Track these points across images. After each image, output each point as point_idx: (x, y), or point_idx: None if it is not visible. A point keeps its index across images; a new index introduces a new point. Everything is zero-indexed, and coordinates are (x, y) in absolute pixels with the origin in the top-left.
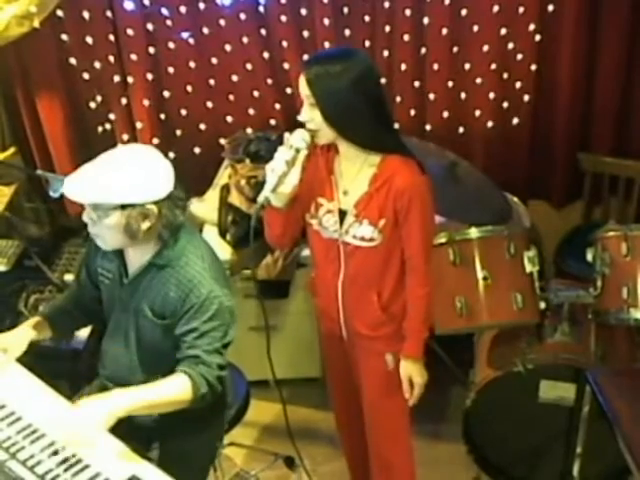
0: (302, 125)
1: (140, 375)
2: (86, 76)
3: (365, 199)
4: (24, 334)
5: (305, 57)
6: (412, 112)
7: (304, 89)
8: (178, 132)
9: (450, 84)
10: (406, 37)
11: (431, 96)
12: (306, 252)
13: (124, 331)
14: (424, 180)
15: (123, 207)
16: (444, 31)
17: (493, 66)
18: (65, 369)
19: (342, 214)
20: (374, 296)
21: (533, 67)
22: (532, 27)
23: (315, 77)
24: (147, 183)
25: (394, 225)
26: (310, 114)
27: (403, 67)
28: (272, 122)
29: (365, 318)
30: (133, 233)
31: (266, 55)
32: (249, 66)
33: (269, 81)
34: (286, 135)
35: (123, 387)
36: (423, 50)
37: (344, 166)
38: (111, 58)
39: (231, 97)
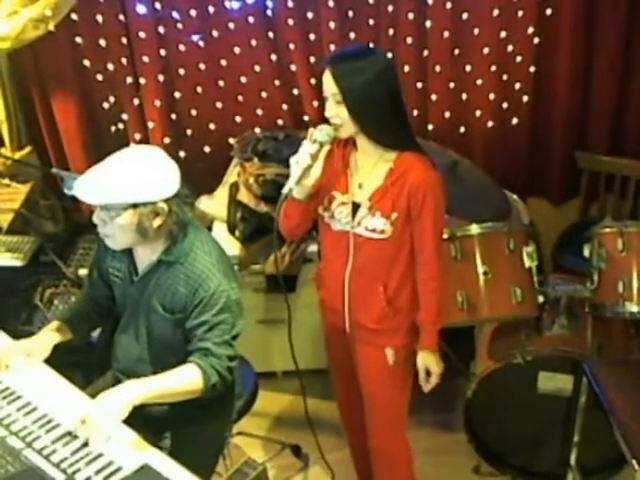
0: (308, 125)
1: (149, 368)
2: (99, 77)
3: (380, 192)
4: (47, 339)
5: (312, 59)
6: (415, 112)
7: (330, 87)
8: (189, 132)
9: (451, 85)
10: (409, 40)
11: (433, 97)
12: (312, 248)
13: (135, 326)
14: (437, 176)
15: (135, 206)
16: (446, 34)
17: (493, 68)
18: (79, 361)
19: (355, 207)
20: (380, 288)
21: (532, 69)
22: (531, 30)
23: (342, 73)
24: (157, 181)
25: (405, 219)
26: (336, 110)
27: (406, 69)
28: (279, 122)
29: (370, 310)
30: (144, 231)
31: (274, 57)
32: (257, 68)
33: (277, 82)
34: (310, 130)
35: (134, 379)
36: (425, 52)
37: (360, 160)
38: (124, 60)
39: (240, 98)
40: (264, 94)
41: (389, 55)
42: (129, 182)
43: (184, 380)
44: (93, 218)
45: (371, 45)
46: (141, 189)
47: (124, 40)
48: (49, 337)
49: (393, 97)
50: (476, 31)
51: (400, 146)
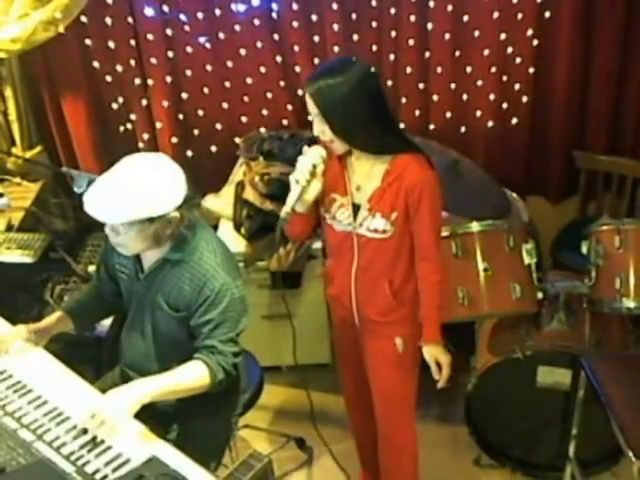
0: (312, 125)
1: (155, 364)
2: (108, 79)
3: (378, 194)
4: (47, 328)
5: (316, 60)
6: (417, 112)
7: (311, 107)
8: (195, 132)
9: (452, 86)
10: (411, 42)
11: (435, 97)
12: (317, 245)
13: (141, 323)
14: (433, 175)
15: (151, 220)
16: (447, 36)
17: (493, 69)
18: (89, 356)
19: (355, 208)
20: (385, 283)
21: (531, 70)
22: (530, 32)
23: (317, 92)
24: (169, 193)
25: (405, 218)
26: (321, 127)
27: (408, 70)
28: (284, 122)
29: (377, 304)
30: (159, 239)
31: (279, 59)
32: (263, 69)
33: (281, 83)
34: (305, 148)
35: (141, 374)
36: (427, 54)
37: (357, 164)
38: (132, 62)
39: (246, 98)
40: (269, 95)
41: (367, 66)
42: (143, 198)
43: (192, 378)
44: (105, 229)
45: (347, 57)
46: (157, 203)
47: (132, 42)
48: (50, 326)
49: (375, 106)
50: (476, 33)
51: (390, 151)
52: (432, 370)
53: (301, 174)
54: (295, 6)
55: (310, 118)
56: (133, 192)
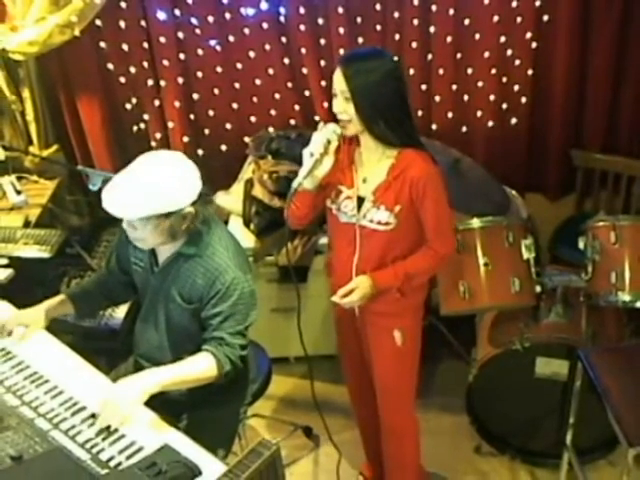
0: (316, 127)
1: (169, 354)
2: (122, 80)
3: (383, 187)
4: (47, 311)
5: (322, 62)
6: (419, 113)
7: (340, 84)
8: (206, 131)
9: (454, 87)
10: (414, 44)
11: (437, 98)
12: (323, 240)
13: (155, 314)
14: (437, 170)
15: (167, 215)
16: (449, 39)
17: (493, 71)
18: (103, 347)
19: (360, 200)
20: None
21: (530, 72)
22: (529, 35)
23: (353, 73)
24: (184, 188)
25: (409, 211)
26: (344, 106)
27: (411, 72)
28: (292, 122)
29: (377, 296)
30: (175, 233)
31: (286, 61)
32: (271, 71)
33: (289, 84)
34: (320, 124)
35: (154, 365)
36: (429, 56)
37: (365, 156)
38: (145, 64)
39: (254, 99)
40: (277, 95)
41: (396, 58)
42: (160, 194)
43: (200, 369)
44: (123, 224)
45: (378, 47)
46: (172, 199)
47: (145, 45)
48: (49, 309)
49: (399, 97)
50: (477, 36)
51: (401, 143)
52: (347, 288)
53: (316, 147)
54: (302, 10)
55: (333, 92)
56: (149, 188)
